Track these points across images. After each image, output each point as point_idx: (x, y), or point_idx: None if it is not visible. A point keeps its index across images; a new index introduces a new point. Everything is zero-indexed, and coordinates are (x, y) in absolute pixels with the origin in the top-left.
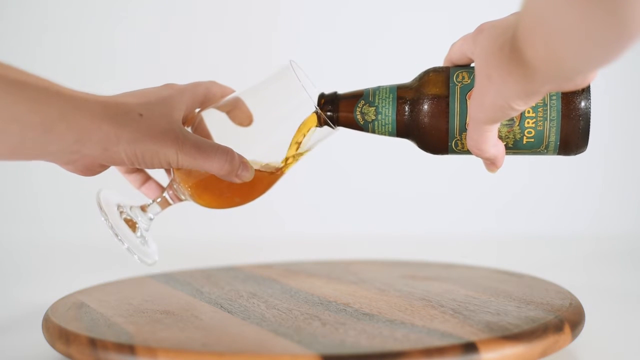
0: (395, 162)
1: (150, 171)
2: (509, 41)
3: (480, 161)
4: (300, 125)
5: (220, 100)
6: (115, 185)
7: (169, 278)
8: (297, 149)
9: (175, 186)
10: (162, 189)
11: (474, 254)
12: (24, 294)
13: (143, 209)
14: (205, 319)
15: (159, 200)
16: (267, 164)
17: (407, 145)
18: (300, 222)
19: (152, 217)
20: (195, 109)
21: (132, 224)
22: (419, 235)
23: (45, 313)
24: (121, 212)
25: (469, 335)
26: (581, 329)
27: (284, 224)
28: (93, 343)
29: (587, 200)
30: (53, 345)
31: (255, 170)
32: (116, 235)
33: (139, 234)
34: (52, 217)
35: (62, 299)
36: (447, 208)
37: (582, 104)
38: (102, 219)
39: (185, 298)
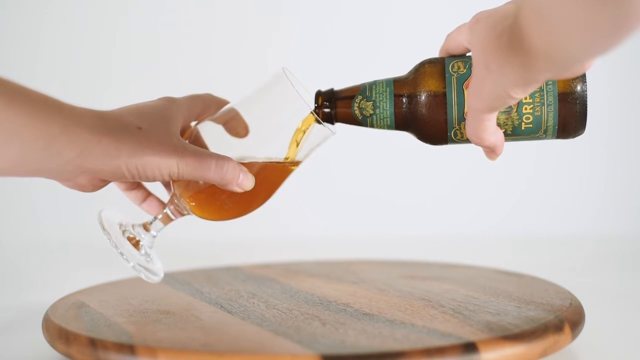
0: (396, 163)
1: (150, 187)
2: (507, 30)
3: (480, 163)
4: (299, 125)
5: (216, 113)
6: (115, 203)
7: (169, 278)
8: (297, 147)
9: (176, 201)
10: (163, 205)
11: (474, 254)
12: (24, 294)
13: (145, 227)
14: (205, 319)
15: (160, 216)
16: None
17: (407, 147)
18: (300, 223)
19: (155, 234)
20: (192, 120)
21: (135, 242)
22: (419, 235)
23: (45, 313)
24: (124, 231)
25: (469, 335)
26: (581, 329)
27: (284, 225)
28: (93, 343)
29: (588, 201)
30: (53, 345)
31: (255, 175)
32: (121, 254)
33: (143, 251)
34: (52, 218)
35: (62, 299)
36: (447, 209)
37: (578, 87)
38: (105, 238)
39: (185, 298)
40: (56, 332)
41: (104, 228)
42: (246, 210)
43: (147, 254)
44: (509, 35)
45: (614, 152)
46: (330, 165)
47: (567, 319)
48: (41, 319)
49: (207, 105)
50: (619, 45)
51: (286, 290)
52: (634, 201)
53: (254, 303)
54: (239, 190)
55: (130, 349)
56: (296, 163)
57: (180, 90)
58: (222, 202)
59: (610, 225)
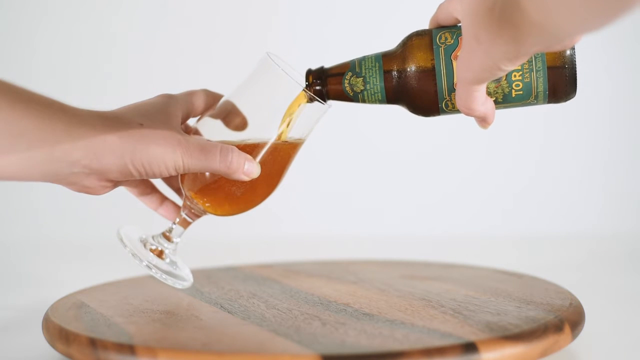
0: (396, 163)
1: (165, 192)
2: (499, 3)
3: (480, 163)
4: (290, 103)
5: (213, 108)
6: (120, 206)
7: None
8: (288, 125)
9: (188, 203)
10: (179, 208)
11: (474, 254)
12: (24, 294)
13: (165, 235)
14: (205, 319)
15: (177, 221)
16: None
17: (407, 147)
18: (300, 223)
19: (176, 240)
20: (190, 115)
21: (159, 253)
22: (419, 235)
23: (45, 313)
24: (145, 244)
25: (469, 335)
26: (581, 329)
27: (285, 225)
28: (93, 343)
29: (588, 201)
30: (53, 345)
31: (260, 161)
32: (147, 267)
33: (168, 260)
34: (52, 217)
35: (62, 299)
36: (447, 209)
37: (567, 51)
38: (129, 254)
39: (185, 298)
40: (56, 332)
41: (125, 245)
42: (258, 198)
43: (172, 262)
44: (502, 7)
45: (615, 152)
46: (330, 166)
47: (567, 319)
48: (41, 319)
49: (204, 100)
50: (614, 22)
51: (286, 290)
52: (634, 201)
53: (254, 303)
54: (246, 178)
55: (130, 349)
56: (298, 141)
57: (179, 85)
58: (232, 194)
59: (610, 225)
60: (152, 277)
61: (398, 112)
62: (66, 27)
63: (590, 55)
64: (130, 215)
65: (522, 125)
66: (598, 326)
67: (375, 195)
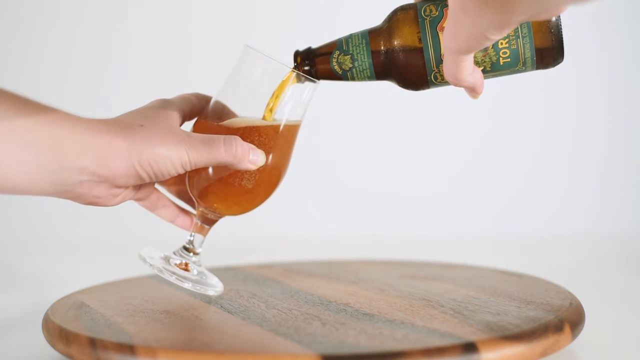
0: (396, 163)
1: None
2: None
3: (480, 162)
4: (280, 85)
5: (204, 111)
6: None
7: None
8: (275, 105)
9: (201, 209)
10: (194, 216)
11: (474, 254)
12: (24, 294)
13: (185, 248)
14: (205, 319)
15: (194, 230)
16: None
17: (407, 146)
18: (300, 222)
19: (198, 250)
20: (185, 118)
21: (185, 266)
22: (419, 235)
23: (45, 313)
24: (168, 260)
25: (469, 335)
26: (581, 329)
27: (284, 224)
28: (93, 343)
29: (587, 201)
30: (53, 345)
31: (261, 145)
32: (180, 281)
33: (195, 271)
34: (52, 217)
35: (62, 299)
36: (447, 208)
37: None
38: (157, 273)
39: (185, 298)
40: (56, 332)
41: (151, 265)
42: (269, 188)
43: (200, 272)
44: None
45: (614, 152)
46: (330, 165)
47: (567, 319)
48: (41, 319)
49: (198, 103)
50: None
51: (286, 290)
52: (633, 201)
53: (254, 303)
54: (253, 167)
55: (130, 349)
56: (296, 122)
57: (178, 91)
58: (243, 188)
59: (610, 225)
60: (151, 277)
61: (400, 112)
62: (67, 36)
63: (589, 55)
64: (131, 215)
65: (521, 125)
66: (598, 326)
67: (375, 195)
